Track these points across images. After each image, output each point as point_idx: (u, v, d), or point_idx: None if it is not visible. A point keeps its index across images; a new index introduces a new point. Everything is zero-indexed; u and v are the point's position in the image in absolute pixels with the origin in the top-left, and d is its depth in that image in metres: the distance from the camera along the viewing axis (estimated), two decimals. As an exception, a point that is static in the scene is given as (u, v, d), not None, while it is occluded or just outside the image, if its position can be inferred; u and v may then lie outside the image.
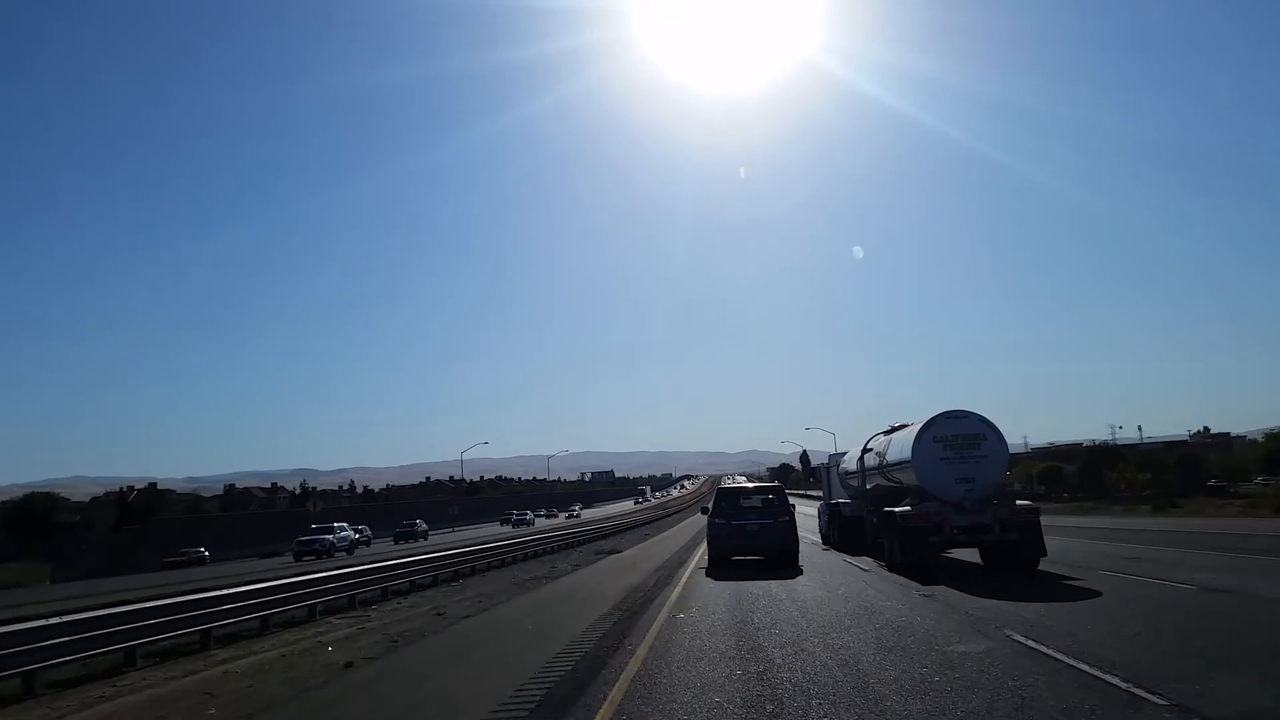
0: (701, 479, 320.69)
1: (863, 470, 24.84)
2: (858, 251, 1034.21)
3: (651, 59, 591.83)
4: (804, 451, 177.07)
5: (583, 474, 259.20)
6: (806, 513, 58.76)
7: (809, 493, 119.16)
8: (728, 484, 31.37)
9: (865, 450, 24.74)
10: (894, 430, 23.48)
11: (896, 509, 19.09)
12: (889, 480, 22.65)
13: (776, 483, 30.70)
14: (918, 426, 19.31)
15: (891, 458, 21.74)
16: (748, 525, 22.00)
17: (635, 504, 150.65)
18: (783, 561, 21.58)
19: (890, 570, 19.19)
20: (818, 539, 32.83)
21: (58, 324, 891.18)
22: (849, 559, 23.29)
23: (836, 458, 32.58)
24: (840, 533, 27.98)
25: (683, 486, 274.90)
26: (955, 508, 18.12)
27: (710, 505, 23.42)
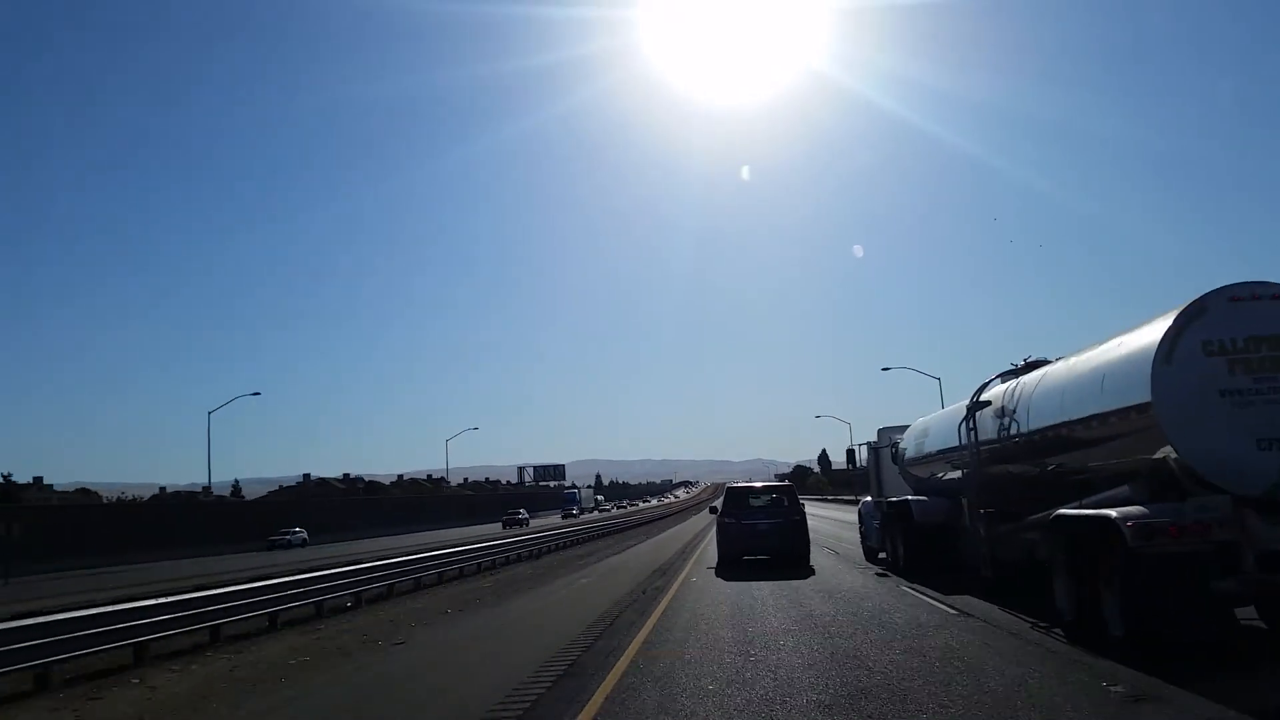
0: (701, 486, 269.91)
1: (975, 443, 13.85)
2: (858, 250, 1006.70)
3: (657, 69, 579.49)
4: (824, 450, 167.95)
5: (521, 468, 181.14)
6: (832, 517, 48.16)
7: (839, 496, 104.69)
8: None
9: (976, 406, 13.90)
10: (1029, 367, 12.88)
11: (1115, 512, 8.13)
12: (1017, 459, 12.13)
13: (787, 483, 28.57)
14: (1164, 324, 8.42)
15: (1043, 414, 11.09)
16: (758, 525, 21.12)
17: (505, 525, 70.65)
18: (793, 562, 20.17)
19: (1078, 644, 8.37)
20: (858, 555, 22.37)
21: (55, 327, 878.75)
22: (945, 604, 12.64)
23: (889, 433, 21.65)
24: (912, 549, 17.12)
25: (673, 495, 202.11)
26: (1265, 509, 7.42)
27: (720, 505, 23.11)
